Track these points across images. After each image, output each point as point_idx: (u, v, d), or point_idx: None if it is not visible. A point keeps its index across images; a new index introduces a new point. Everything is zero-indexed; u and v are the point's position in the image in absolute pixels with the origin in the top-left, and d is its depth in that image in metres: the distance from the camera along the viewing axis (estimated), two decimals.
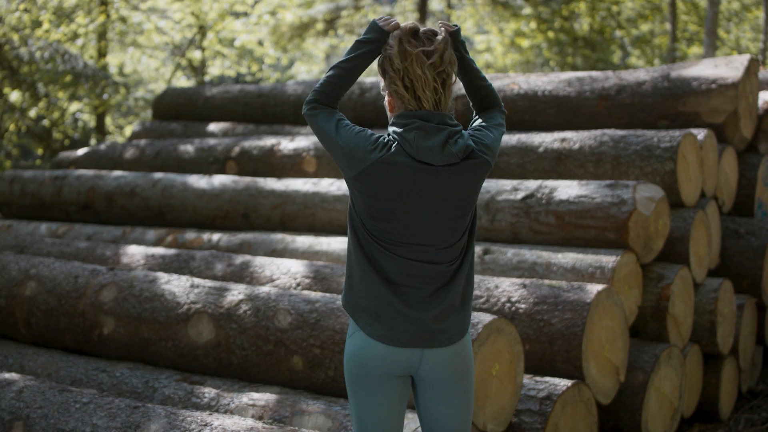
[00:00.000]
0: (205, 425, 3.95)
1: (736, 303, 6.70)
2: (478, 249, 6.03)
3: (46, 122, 18.29)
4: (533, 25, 22.67)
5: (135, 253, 6.70)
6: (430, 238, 3.21)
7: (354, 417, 3.38)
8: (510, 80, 7.98)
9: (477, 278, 5.39)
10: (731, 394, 6.79)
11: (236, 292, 5.18)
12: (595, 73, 7.66)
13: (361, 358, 3.30)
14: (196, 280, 5.41)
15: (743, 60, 7.06)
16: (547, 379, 4.88)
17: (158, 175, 8.18)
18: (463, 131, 3.22)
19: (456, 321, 3.29)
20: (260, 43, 24.17)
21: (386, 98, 3.30)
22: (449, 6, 24.69)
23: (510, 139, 7.01)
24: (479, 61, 25.39)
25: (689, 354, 6.22)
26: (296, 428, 4.00)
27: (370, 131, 3.23)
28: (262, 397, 4.59)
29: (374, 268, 3.26)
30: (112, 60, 22.26)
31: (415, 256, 3.22)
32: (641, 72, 7.39)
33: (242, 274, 6.12)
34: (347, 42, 25.05)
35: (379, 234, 3.23)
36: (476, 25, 24.96)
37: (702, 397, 6.57)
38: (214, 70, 24.16)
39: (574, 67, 22.06)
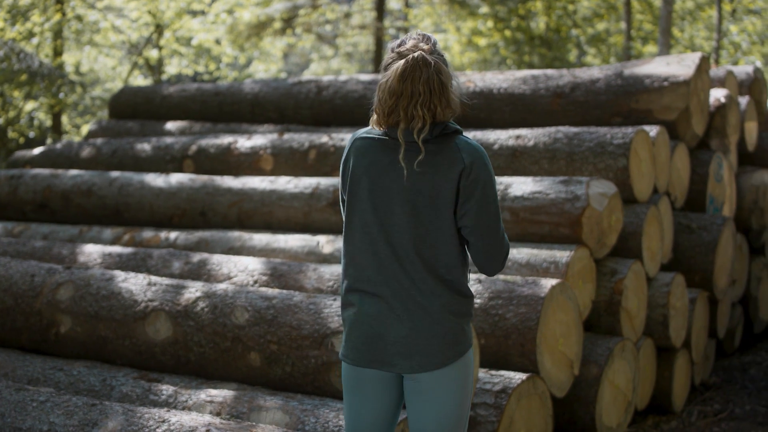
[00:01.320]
0: (163, 422, 3.96)
1: (688, 297, 6.80)
2: None
3: (1, 121, 18.11)
4: (490, 23, 22.77)
5: (92, 251, 6.68)
6: (399, 237, 3.18)
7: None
8: (466, 78, 8.05)
9: None
10: (684, 386, 6.89)
11: (193, 290, 5.19)
12: (549, 71, 7.74)
13: (343, 369, 3.37)
14: (154, 278, 5.41)
15: (695, 58, 7.17)
16: (502, 372, 4.93)
17: (115, 173, 8.15)
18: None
19: (426, 348, 3.17)
20: (218, 41, 24.06)
21: None
22: (407, 5, 24.74)
23: None
24: None
25: (642, 347, 6.30)
26: (254, 423, 4.02)
27: None
28: (220, 394, 4.61)
29: (349, 275, 3.29)
30: (68, 59, 22.06)
31: (387, 259, 3.20)
32: (595, 70, 7.47)
33: (200, 272, 6.13)
34: (305, 41, 25.01)
35: (356, 231, 3.26)
36: (434, 24, 25.02)
37: (655, 390, 6.67)
38: (171, 68, 24.02)
39: (531, 66, 22.20)
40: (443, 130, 3.17)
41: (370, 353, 3.23)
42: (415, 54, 3.15)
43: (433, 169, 3.15)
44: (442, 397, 3.20)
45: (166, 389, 4.74)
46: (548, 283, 5.23)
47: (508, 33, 22.70)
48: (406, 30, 24.12)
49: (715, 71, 8.38)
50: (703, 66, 7.21)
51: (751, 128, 8.56)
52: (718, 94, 7.74)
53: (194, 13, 23.62)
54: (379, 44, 21.07)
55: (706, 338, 7.30)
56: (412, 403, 3.26)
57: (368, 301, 3.23)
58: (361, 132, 3.32)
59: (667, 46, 14.90)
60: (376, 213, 3.21)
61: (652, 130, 6.73)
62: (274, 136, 8.13)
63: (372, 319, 3.22)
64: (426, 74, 3.12)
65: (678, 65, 7.10)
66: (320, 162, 7.61)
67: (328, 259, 6.38)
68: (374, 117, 3.26)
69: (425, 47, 3.20)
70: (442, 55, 3.25)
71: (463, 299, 3.23)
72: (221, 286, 5.22)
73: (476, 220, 3.18)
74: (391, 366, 3.21)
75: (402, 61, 3.15)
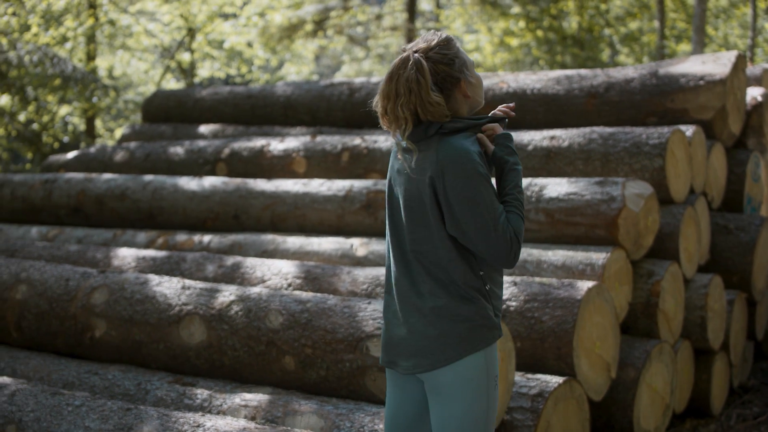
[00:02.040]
0: (198, 426, 3.95)
1: (726, 298, 6.72)
2: None
3: (35, 126, 18.25)
4: (522, 24, 22.69)
5: (126, 255, 6.69)
6: (404, 241, 3.22)
7: None
8: (499, 79, 8.00)
9: None
10: (723, 389, 6.81)
11: (227, 293, 5.18)
12: (583, 71, 7.67)
13: None
14: (188, 282, 5.41)
15: (731, 56, 7.09)
16: (539, 376, 4.89)
17: (148, 177, 8.18)
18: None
19: (421, 349, 3.18)
20: (249, 44, 24.15)
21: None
22: (438, 6, 24.70)
23: None
24: None
25: (680, 350, 6.23)
26: (288, 428, 4.00)
27: None
28: (255, 398, 4.60)
29: (386, 276, 3.36)
30: (102, 63, 22.22)
31: (396, 263, 3.26)
32: (629, 69, 7.40)
33: (233, 275, 6.12)
34: (336, 43, 25.03)
35: (387, 239, 3.34)
36: (465, 25, 24.96)
37: (693, 393, 6.59)
38: (203, 72, 24.12)
39: (564, 66, 22.08)
40: (439, 130, 3.13)
41: (387, 354, 3.31)
42: (403, 54, 3.16)
43: (416, 173, 3.13)
44: (449, 399, 3.17)
45: (201, 393, 4.74)
46: (584, 285, 5.18)
47: (540, 33, 22.60)
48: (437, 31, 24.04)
49: (752, 69, 8.29)
50: (739, 64, 7.12)
51: None
52: (754, 93, 7.66)
53: (226, 16, 23.71)
54: None
55: (745, 340, 7.21)
56: (429, 402, 3.27)
57: (386, 303, 3.32)
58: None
59: (701, 44, 14.77)
60: (392, 218, 3.29)
61: (689, 130, 6.65)
62: (307, 138, 8.12)
63: (387, 322, 3.31)
64: (405, 74, 3.09)
65: (714, 64, 7.02)
66: (353, 164, 7.60)
67: (362, 262, 6.36)
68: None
69: (422, 46, 3.18)
70: (446, 53, 3.18)
71: (463, 304, 3.14)
72: (255, 290, 5.20)
73: (462, 229, 3.10)
74: (398, 366, 3.26)
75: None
